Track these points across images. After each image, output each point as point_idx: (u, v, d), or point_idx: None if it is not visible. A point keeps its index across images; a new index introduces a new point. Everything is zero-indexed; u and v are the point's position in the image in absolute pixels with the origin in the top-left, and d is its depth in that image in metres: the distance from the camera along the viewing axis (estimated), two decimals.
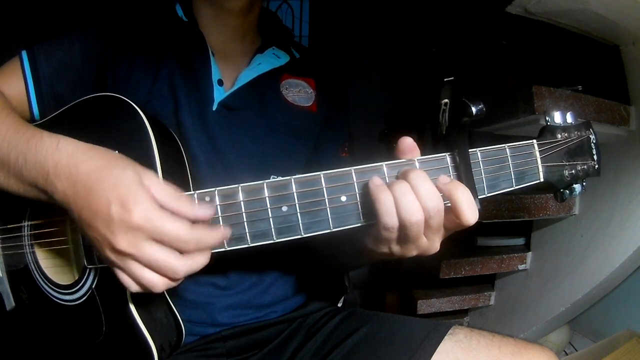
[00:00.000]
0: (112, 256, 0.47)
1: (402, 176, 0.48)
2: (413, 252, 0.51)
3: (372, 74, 2.52)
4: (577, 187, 0.57)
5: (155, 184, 0.48)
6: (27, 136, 0.52)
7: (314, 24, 2.70)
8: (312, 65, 0.86)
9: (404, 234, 0.48)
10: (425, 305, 1.66)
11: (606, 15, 1.08)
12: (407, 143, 0.51)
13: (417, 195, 0.47)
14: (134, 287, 0.48)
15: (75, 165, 0.48)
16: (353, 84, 1.05)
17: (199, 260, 0.48)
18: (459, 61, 1.84)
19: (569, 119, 0.57)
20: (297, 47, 0.87)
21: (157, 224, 0.45)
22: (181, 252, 0.47)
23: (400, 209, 0.46)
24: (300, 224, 0.50)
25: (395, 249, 0.51)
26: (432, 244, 0.51)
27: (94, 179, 0.47)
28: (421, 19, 2.34)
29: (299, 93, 0.81)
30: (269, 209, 0.50)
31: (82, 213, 0.47)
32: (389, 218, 0.47)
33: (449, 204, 0.48)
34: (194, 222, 0.48)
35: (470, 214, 0.47)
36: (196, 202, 0.50)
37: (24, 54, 0.70)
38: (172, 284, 0.49)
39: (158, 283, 0.47)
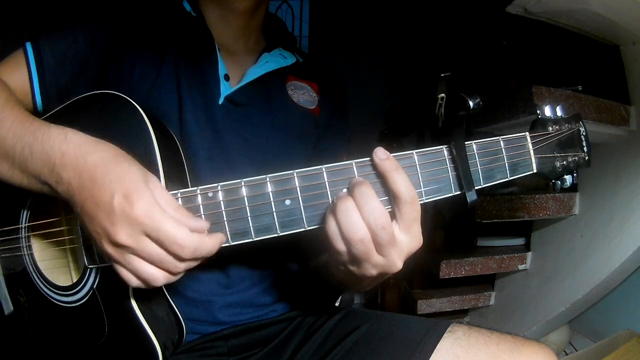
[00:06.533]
0: (111, 250, 0.47)
1: (349, 191, 0.48)
2: (372, 272, 0.49)
3: (372, 74, 2.52)
4: (569, 178, 0.58)
5: (159, 189, 0.48)
6: (33, 128, 0.53)
7: (314, 24, 2.70)
8: (315, 71, 0.87)
9: (351, 253, 0.47)
10: (425, 305, 1.66)
11: (606, 15, 1.08)
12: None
13: (361, 212, 0.46)
14: (134, 282, 0.48)
15: (83, 156, 0.48)
16: (353, 84, 1.05)
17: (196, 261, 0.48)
18: (459, 61, 1.85)
19: (559, 112, 0.59)
20: (300, 53, 0.88)
21: (158, 221, 0.45)
22: (177, 257, 0.46)
23: (342, 227, 0.46)
24: (304, 217, 0.51)
25: (353, 269, 0.50)
26: (389, 260, 0.48)
27: (100, 170, 0.47)
28: (421, 19, 2.34)
29: (303, 95, 0.82)
30: (272, 203, 0.50)
31: (84, 204, 0.47)
32: (337, 242, 0.47)
33: (390, 208, 0.49)
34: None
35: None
36: (199, 197, 0.50)
37: (28, 45, 0.70)
38: (173, 278, 0.48)
39: (158, 277, 0.47)
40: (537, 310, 1.49)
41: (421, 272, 1.77)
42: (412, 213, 0.48)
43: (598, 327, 1.51)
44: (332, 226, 0.47)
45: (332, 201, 0.49)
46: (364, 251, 0.47)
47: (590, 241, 1.34)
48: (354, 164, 0.51)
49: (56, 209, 0.62)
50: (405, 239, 0.49)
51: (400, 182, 0.48)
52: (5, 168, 0.54)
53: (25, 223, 0.64)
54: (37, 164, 0.51)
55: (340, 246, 0.48)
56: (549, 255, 1.51)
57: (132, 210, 0.45)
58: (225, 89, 0.74)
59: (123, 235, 0.45)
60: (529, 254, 1.59)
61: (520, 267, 1.58)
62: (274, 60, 0.80)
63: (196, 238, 0.46)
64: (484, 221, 1.47)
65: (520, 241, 1.69)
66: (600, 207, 1.33)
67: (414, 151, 0.52)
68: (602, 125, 1.22)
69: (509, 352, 0.59)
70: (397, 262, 0.49)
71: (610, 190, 1.29)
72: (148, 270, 0.46)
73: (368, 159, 0.51)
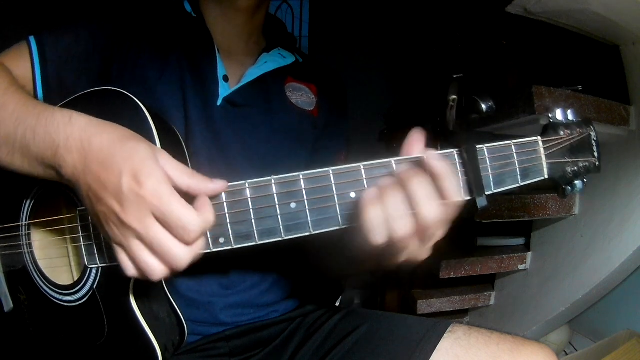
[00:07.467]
0: (117, 231, 0.45)
1: (402, 182, 0.46)
2: (400, 260, 0.50)
3: (372, 74, 2.52)
4: (579, 183, 0.57)
5: (170, 162, 0.47)
6: (37, 111, 0.52)
7: (314, 24, 2.70)
8: (314, 72, 0.87)
9: (391, 246, 0.47)
10: (425, 305, 1.66)
11: (606, 15, 1.08)
12: (415, 137, 0.49)
13: (417, 206, 0.44)
14: (131, 271, 0.46)
15: (88, 138, 0.47)
16: (353, 84, 1.05)
17: (201, 246, 0.47)
18: (459, 61, 1.85)
19: (570, 116, 0.57)
20: (300, 54, 0.89)
21: (165, 201, 0.44)
22: (180, 240, 0.45)
23: (391, 224, 0.45)
24: (309, 221, 0.49)
25: (381, 258, 0.50)
26: (424, 251, 0.49)
27: (107, 152, 0.46)
28: (421, 19, 2.34)
29: (301, 97, 0.82)
30: (277, 206, 0.49)
31: (91, 187, 0.46)
32: (375, 234, 0.46)
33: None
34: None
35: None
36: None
37: (32, 38, 0.69)
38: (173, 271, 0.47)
39: (157, 269, 0.45)
40: (537, 310, 1.49)
41: (421, 272, 1.77)
42: (453, 213, 0.48)
43: (598, 327, 1.51)
44: (375, 218, 0.45)
45: (369, 190, 0.46)
46: (405, 245, 0.47)
47: (590, 241, 1.34)
48: (362, 167, 0.50)
49: (57, 207, 0.62)
50: (440, 235, 0.49)
51: (453, 187, 0.47)
52: (4, 153, 0.53)
53: (25, 221, 0.64)
54: (40, 148, 0.49)
55: (379, 238, 0.45)
56: (549, 255, 1.51)
57: (141, 190, 0.43)
58: (224, 90, 0.74)
59: (131, 216, 0.44)
60: (529, 254, 1.58)
61: (520, 267, 1.58)
62: (273, 61, 0.80)
63: (202, 223, 0.45)
64: (484, 221, 1.47)
65: (520, 241, 1.69)
66: (600, 207, 1.33)
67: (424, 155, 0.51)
68: (602, 125, 1.22)
69: (509, 352, 0.59)
70: (426, 253, 0.50)
71: (610, 190, 1.29)
72: (148, 259, 0.45)
73: (376, 161, 0.49)
